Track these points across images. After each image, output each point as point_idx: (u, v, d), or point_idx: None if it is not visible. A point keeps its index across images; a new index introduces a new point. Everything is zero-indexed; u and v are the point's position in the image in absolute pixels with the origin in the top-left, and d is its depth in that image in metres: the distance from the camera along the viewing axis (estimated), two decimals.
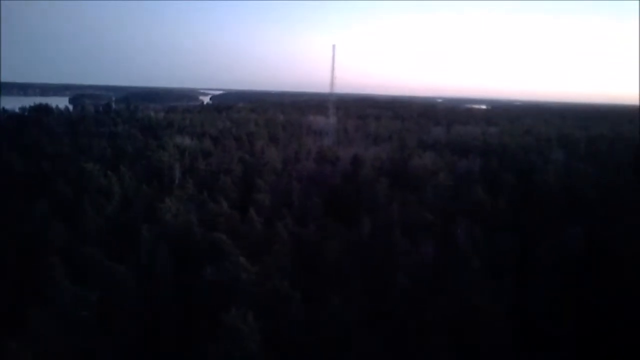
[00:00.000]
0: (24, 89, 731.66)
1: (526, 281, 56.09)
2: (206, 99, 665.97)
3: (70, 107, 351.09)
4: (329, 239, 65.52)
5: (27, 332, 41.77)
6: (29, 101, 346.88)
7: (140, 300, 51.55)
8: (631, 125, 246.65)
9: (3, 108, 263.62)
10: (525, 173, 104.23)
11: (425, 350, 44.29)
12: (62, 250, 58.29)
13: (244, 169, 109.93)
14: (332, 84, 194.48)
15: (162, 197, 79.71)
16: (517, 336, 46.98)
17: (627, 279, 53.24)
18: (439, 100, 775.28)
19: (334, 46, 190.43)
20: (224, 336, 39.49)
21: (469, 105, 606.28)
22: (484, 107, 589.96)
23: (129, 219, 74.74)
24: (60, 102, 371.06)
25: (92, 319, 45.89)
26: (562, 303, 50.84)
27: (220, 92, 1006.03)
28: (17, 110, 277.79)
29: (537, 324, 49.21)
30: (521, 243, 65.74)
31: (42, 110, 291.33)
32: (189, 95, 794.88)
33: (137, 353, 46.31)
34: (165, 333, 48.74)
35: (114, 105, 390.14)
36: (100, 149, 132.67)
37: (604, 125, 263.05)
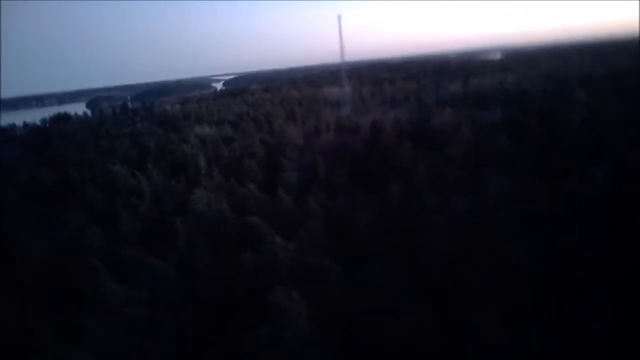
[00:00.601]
0: (40, 100, 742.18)
1: (558, 227, 55.80)
2: (219, 86, 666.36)
3: (88, 112, 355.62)
4: (359, 208, 65.90)
5: (85, 339, 42.96)
6: (48, 111, 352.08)
7: (185, 292, 52.80)
8: None
9: (24, 122, 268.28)
10: (547, 117, 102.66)
11: (467, 307, 44.63)
12: (102, 254, 59.79)
13: (266, 150, 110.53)
14: (342, 53, 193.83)
15: (191, 189, 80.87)
16: (553, 284, 46.97)
17: None
18: (452, 55, 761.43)
19: (339, 16, 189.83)
20: (272, 317, 40.33)
21: (483, 56, 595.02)
22: (498, 55, 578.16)
23: (162, 214, 76.11)
24: (78, 109, 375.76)
25: (144, 316, 47.17)
26: (594, 247, 50.54)
27: (232, 76, 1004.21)
28: (37, 122, 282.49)
29: (571, 270, 49.02)
30: (550, 188, 65.30)
31: (62, 119, 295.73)
32: (201, 84, 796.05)
33: (191, 344, 47.55)
34: (214, 322, 49.88)
35: (129, 105, 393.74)
36: (123, 149, 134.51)
37: (624, 58, 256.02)
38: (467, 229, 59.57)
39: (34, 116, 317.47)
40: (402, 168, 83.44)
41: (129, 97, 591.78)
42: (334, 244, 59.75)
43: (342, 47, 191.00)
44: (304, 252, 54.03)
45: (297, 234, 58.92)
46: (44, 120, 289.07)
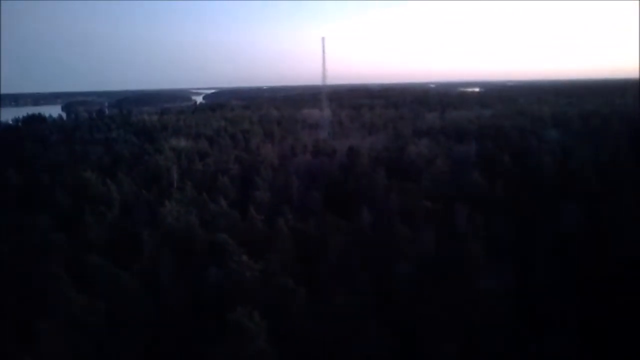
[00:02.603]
0: (15, 99, 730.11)
1: (526, 262, 56.69)
2: (199, 99, 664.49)
3: (64, 115, 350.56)
4: (329, 232, 65.98)
5: (37, 344, 42.01)
6: (22, 112, 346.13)
7: (146, 305, 51.97)
8: (624, 99, 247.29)
9: None
10: (521, 155, 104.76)
11: (431, 337, 44.82)
12: (66, 261, 58.69)
13: (241, 167, 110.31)
14: (324, 76, 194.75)
15: (162, 201, 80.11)
16: (519, 318, 47.57)
17: (625, 255, 53.85)
18: (432, 86, 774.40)
19: (323, 39, 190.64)
20: (231, 336, 39.93)
21: (461, 89, 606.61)
22: (477, 89, 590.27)
23: (131, 224, 75.07)
24: (53, 111, 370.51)
25: (101, 326, 46.28)
26: (562, 282, 51.50)
27: (213, 90, 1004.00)
28: (10, 121, 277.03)
29: (539, 305, 49.78)
30: (519, 224, 66.39)
31: (36, 120, 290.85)
32: (181, 95, 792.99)
33: (146, 357, 46.72)
34: (173, 336, 49.16)
35: (107, 111, 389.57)
36: (96, 156, 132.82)
37: (598, 100, 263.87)
38: (435, 261, 60.09)
39: (7, 115, 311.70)
40: (375, 196, 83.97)
41: (106, 104, 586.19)
42: (301, 266, 59.60)
43: (324, 70, 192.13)
44: (270, 273, 53.79)
45: (265, 254, 58.69)
46: (16, 120, 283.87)
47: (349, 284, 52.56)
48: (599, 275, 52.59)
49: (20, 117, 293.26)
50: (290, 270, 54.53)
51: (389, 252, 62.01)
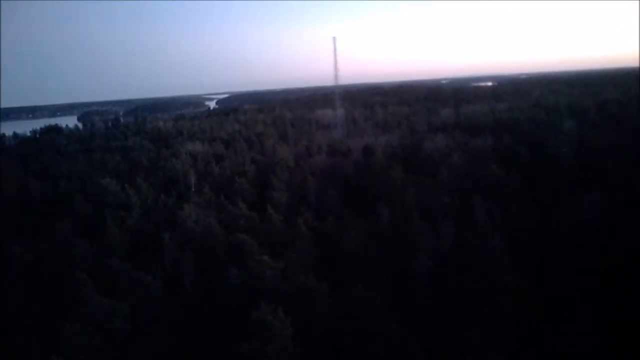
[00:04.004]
0: (32, 111, 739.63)
1: (547, 253, 56.13)
2: (212, 104, 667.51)
3: (80, 125, 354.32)
4: (348, 230, 65.98)
5: (63, 347, 42.55)
6: (39, 123, 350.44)
7: (170, 306, 52.48)
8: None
9: (14, 132, 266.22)
10: (538, 146, 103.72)
11: (454, 330, 44.63)
12: (89, 266, 59.45)
13: (258, 169, 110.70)
14: (336, 76, 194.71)
15: (181, 205, 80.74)
16: (541, 310, 47.16)
17: None
18: (444, 82, 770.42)
19: (334, 38, 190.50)
20: (256, 333, 40.18)
21: (474, 84, 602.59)
22: (490, 83, 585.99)
23: (151, 228, 75.82)
24: (69, 122, 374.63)
25: (126, 329, 46.79)
26: (583, 273, 50.91)
27: (226, 95, 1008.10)
28: (28, 133, 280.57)
29: (561, 296, 49.29)
30: (539, 216, 65.75)
31: (53, 131, 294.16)
32: (194, 101, 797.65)
33: (171, 358, 47.10)
34: (198, 336, 49.56)
35: (122, 120, 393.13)
36: (114, 163, 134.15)
37: (613, 89, 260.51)
38: (455, 254, 59.79)
39: (25, 127, 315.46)
40: (392, 192, 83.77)
41: (121, 112, 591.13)
42: (321, 264, 59.71)
43: (336, 69, 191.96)
44: (291, 271, 53.95)
45: (285, 253, 58.90)
46: (34, 132, 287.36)
47: (369, 280, 52.51)
48: (622, 266, 51.97)
49: (38, 128, 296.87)
50: (310, 268, 54.66)
51: (408, 247, 61.88)
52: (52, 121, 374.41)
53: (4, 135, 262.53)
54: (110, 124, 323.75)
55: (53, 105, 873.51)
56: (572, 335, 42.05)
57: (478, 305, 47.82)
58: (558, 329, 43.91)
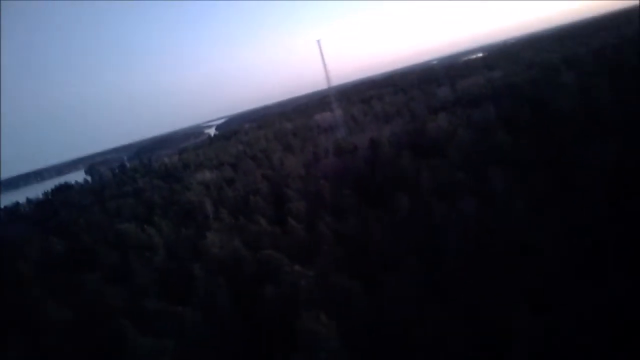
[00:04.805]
0: (40, 175, 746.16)
1: (573, 211, 55.71)
2: (212, 131, 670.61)
3: (89, 178, 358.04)
4: (369, 224, 66.11)
5: None
6: (49, 184, 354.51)
7: (212, 335, 52.86)
8: (632, 26, 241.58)
9: (27, 198, 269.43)
10: (540, 105, 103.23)
11: (495, 303, 44.40)
12: (125, 311, 60.01)
13: (270, 184, 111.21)
14: (327, 78, 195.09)
15: (203, 234, 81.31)
16: (572, 265, 46.82)
17: None
18: (435, 62, 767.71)
19: (319, 41, 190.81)
20: (303, 342, 40.37)
21: (465, 58, 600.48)
22: (480, 54, 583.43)
23: (178, 263, 76.43)
24: (78, 177, 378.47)
25: None
26: (615, 222, 50.46)
27: (223, 120, 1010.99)
28: (40, 196, 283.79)
29: (587, 251, 48.83)
30: (556, 175, 65.43)
31: (64, 189, 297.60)
32: (194, 132, 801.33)
33: None
34: (246, 358, 49.88)
35: (127, 164, 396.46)
36: (129, 207, 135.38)
37: (604, 34, 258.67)
38: (479, 227, 59.59)
39: (36, 191, 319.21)
40: (405, 179, 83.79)
41: (125, 157, 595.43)
42: (350, 263, 59.87)
43: (326, 71, 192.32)
44: (323, 276, 54.20)
45: (313, 259, 59.18)
46: (46, 193, 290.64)
47: (400, 269, 52.53)
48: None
49: (49, 189, 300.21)
50: (341, 269, 54.88)
51: (431, 229, 61.86)
52: (61, 179, 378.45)
53: (18, 203, 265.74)
54: (117, 170, 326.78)
55: (59, 164, 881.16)
56: (615, 288, 41.63)
57: (511, 271, 47.64)
58: (600, 285, 43.50)
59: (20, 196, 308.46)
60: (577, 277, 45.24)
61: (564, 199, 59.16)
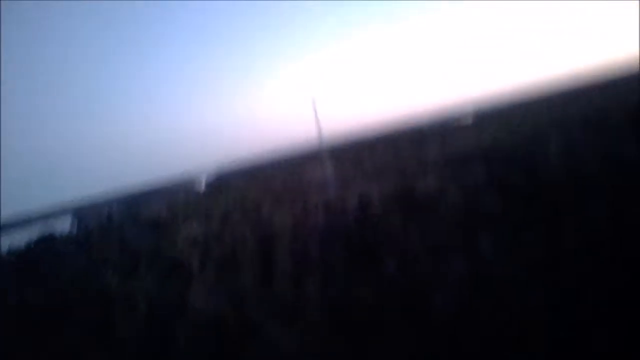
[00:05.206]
0: (26, 222, 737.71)
1: (563, 277, 55.49)
2: (202, 183, 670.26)
3: (74, 226, 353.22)
4: (357, 285, 65.22)
5: None
6: (33, 232, 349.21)
7: None
8: (610, 89, 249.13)
9: (9, 248, 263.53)
10: (530, 166, 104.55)
11: None
12: None
13: (258, 238, 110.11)
14: (320, 134, 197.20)
15: (187, 288, 79.74)
16: (565, 330, 46.20)
17: None
18: (426, 122, 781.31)
19: (313, 99, 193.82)
20: None
21: (454, 117, 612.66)
22: (470, 114, 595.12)
23: (160, 317, 74.60)
24: (63, 224, 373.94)
25: None
26: (595, 287, 50.21)
27: (214, 172, 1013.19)
28: (22, 245, 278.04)
29: (576, 315, 48.41)
30: (546, 235, 65.42)
31: (47, 237, 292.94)
32: (185, 183, 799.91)
33: None
34: None
35: (115, 213, 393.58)
36: (114, 258, 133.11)
37: (588, 96, 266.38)
38: (469, 290, 58.94)
39: (19, 239, 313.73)
40: (394, 237, 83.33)
41: (112, 207, 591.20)
42: (335, 327, 58.67)
43: (319, 128, 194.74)
44: (305, 338, 53.00)
45: (297, 320, 57.94)
46: (29, 242, 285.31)
47: (386, 334, 51.44)
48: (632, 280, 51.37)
49: (32, 238, 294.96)
50: (324, 333, 53.79)
51: (421, 291, 61.04)
52: (46, 225, 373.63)
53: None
54: (103, 220, 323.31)
55: (44, 211, 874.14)
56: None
57: (502, 338, 46.81)
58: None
59: (3, 244, 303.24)
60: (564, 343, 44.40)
61: (554, 262, 58.91)
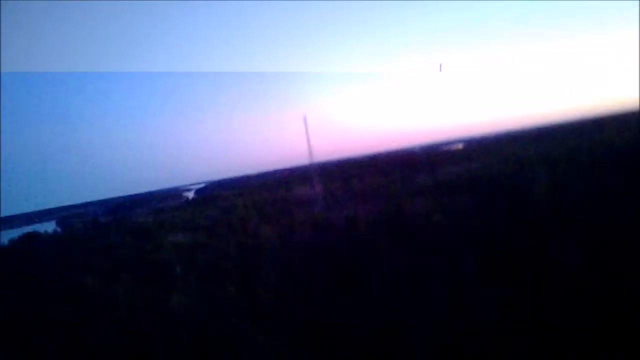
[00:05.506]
0: (9, 221, 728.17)
1: (545, 305, 56.13)
2: (190, 194, 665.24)
3: (59, 229, 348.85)
4: (338, 305, 65.48)
5: None
6: (17, 232, 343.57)
7: None
8: (604, 132, 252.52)
9: None
10: (516, 196, 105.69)
11: None
12: None
13: (242, 251, 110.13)
14: (310, 153, 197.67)
15: (169, 296, 79.53)
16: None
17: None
18: (417, 148, 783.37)
19: (304, 117, 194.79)
20: None
21: (446, 147, 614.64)
22: (460, 145, 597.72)
23: (140, 325, 74.18)
24: (48, 227, 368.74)
25: None
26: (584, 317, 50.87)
27: (203, 184, 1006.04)
28: (5, 244, 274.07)
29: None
30: (529, 266, 66.20)
31: (31, 238, 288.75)
32: (172, 194, 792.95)
33: None
34: None
35: (101, 219, 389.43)
36: (97, 263, 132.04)
37: (578, 136, 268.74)
38: (452, 314, 59.39)
39: (3, 238, 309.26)
40: (379, 261, 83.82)
41: (100, 213, 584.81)
42: (315, 343, 58.79)
43: (309, 147, 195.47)
44: (282, 349, 53.18)
45: (279, 335, 58.03)
46: (11, 241, 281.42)
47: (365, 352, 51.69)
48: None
49: (15, 237, 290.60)
50: (304, 349, 53.96)
51: (404, 316, 61.34)
52: (31, 228, 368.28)
53: None
54: (89, 225, 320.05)
55: (31, 213, 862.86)
56: None
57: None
58: None
59: None
60: None
61: (538, 293, 59.68)
